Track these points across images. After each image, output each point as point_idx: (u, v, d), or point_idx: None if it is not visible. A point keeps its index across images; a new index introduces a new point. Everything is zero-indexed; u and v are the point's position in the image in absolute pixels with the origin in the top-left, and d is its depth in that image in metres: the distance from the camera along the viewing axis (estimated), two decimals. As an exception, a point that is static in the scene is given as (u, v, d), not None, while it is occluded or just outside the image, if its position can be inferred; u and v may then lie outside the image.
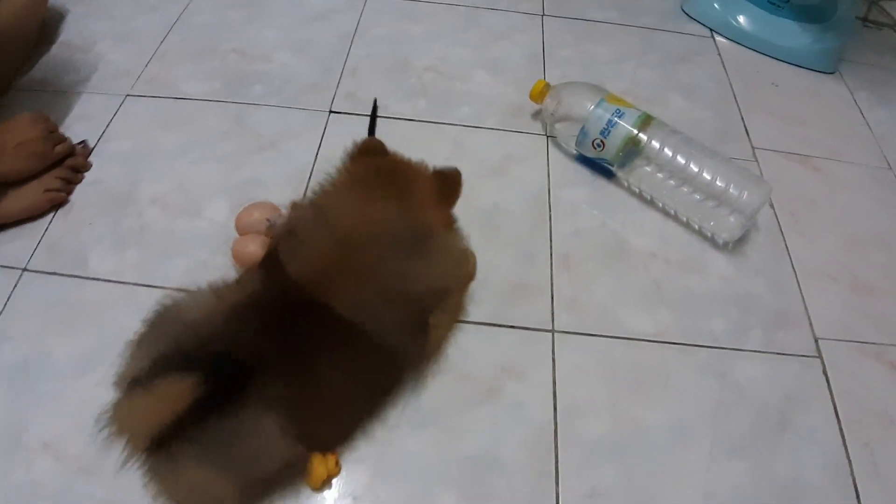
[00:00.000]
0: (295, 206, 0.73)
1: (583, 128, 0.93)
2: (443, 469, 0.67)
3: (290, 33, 1.14)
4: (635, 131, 0.90)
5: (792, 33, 1.24)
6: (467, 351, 0.76)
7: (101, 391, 0.56)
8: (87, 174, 0.91)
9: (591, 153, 0.94)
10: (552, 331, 0.79)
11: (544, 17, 1.25)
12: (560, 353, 0.77)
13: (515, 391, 0.73)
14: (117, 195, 0.88)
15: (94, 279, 0.79)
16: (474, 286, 0.81)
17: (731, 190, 0.86)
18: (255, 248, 0.77)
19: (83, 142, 0.93)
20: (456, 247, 0.73)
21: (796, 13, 1.24)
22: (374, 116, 0.99)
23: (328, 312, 0.59)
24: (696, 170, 0.87)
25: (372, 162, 0.69)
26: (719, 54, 1.23)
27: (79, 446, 0.66)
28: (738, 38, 1.26)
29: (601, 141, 0.92)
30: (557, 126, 0.98)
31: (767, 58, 1.24)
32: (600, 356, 0.77)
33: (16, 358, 0.72)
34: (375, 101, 0.99)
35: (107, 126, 0.96)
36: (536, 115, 1.05)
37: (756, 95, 1.15)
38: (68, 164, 0.89)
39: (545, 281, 0.83)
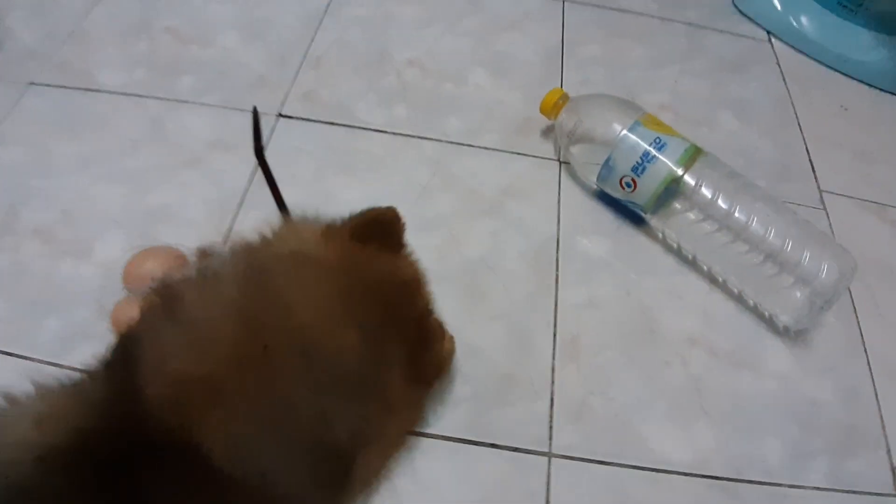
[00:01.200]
0: (204, 254, 0.50)
1: (609, 159, 0.69)
2: None
3: (244, 10, 0.89)
4: (680, 171, 0.67)
5: (865, 45, 1.00)
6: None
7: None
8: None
9: (617, 193, 0.71)
10: (549, 454, 0.57)
11: (566, 2, 1.00)
12: (557, 487, 0.55)
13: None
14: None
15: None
16: (444, 381, 0.59)
17: (805, 262, 0.63)
18: (140, 315, 0.53)
19: None
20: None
21: (870, 20, 1.00)
22: (256, 129, 0.68)
23: (195, 460, 0.37)
24: (760, 231, 0.64)
25: (361, 254, 0.45)
26: (778, 64, 0.99)
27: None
28: (800, 44, 1.02)
29: (632, 180, 0.68)
30: (574, 150, 0.74)
31: (834, 72, 1.00)
32: (612, 493, 0.55)
33: None
34: (255, 111, 0.68)
35: None
36: (547, 132, 0.81)
37: (823, 121, 0.91)
38: None
39: (544, 375, 0.61)
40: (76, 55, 0.81)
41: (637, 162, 0.68)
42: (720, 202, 0.66)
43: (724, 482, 0.57)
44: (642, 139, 0.68)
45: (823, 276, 0.63)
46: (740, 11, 1.07)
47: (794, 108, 0.92)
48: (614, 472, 0.57)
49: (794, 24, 1.03)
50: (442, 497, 0.53)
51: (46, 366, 0.56)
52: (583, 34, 0.95)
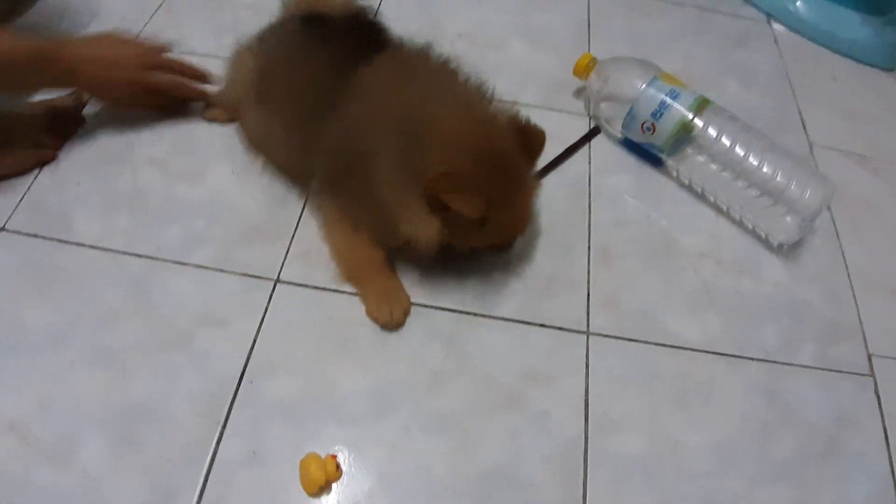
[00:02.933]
0: None
1: (631, 108, 0.84)
2: (456, 482, 0.59)
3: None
4: (690, 115, 0.81)
5: (853, 24, 1.14)
6: (490, 350, 0.68)
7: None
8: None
9: (639, 137, 0.86)
10: (587, 332, 0.71)
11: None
12: (595, 358, 0.69)
13: (542, 399, 0.65)
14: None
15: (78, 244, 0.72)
16: (502, 276, 0.73)
17: (792, 187, 0.77)
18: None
19: (74, 92, 0.84)
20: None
21: (858, 2, 1.14)
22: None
23: None
24: (755, 163, 0.78)
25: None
26: (776, 41, 1.13)
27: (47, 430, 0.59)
28: (795, 25, 1.17)
29: (652, 124, 0.83)
30: (602, 105, 0.89)
31: (825, 49, 1.14)
32: (639, 364, 0.70)
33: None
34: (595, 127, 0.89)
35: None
36: (579, 92, 0.96)
37: (814, 88, 1.06)
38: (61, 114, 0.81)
39: (581, 276, 0.75)
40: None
41: (655, 109, 0.82)
42: (723, 139, 0.80)
43: (729, 357, 0.71)
44: (660, 90, 0.83)
45: (807, 197, 0.77)
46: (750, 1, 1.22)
47: (788, 77, 1.07)
48: (640, 347, 0.71)
49: (790, 7, 1.17)
50: (502, 364, 0.67)
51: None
52: (606, 12, 1.10)
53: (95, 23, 0.96)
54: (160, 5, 0.99)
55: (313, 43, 0.71)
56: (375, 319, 0.68)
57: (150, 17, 0.98)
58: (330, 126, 0.67)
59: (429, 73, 0.69)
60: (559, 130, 0.90)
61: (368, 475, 0.59)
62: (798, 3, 1.17)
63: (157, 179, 0.79)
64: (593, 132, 0.89)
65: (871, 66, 1.13)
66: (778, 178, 0.78)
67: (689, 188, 0.86)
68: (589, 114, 0.93)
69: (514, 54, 1.00)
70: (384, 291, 0.69)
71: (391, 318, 0.67)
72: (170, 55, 0.82)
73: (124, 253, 0.72)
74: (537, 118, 0.86)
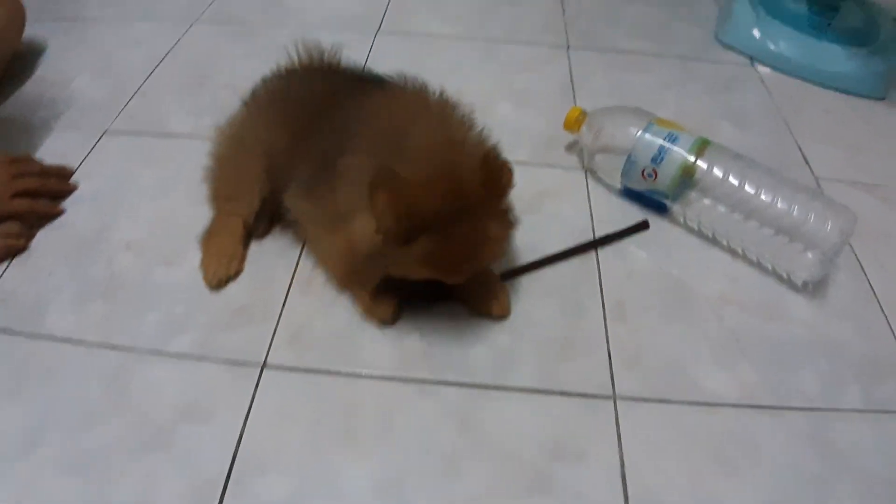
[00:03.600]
0: None
1: (629, 156, 0.80)
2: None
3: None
4: (692, 158, 0.78)
5: (837, 58, 1.13)
6: (508, 425, 0.61)
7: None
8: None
9: (640, 185, 0.82)
10: (613, 397, 0.64)
11: (570, 49, 1.15)
12: (626, 424, 0.62)
13: (573, 478, 0.58)
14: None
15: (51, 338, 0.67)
16: (513, 343, 0.68)
17: (811, 220, 0.72)
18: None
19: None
20: None
21: (840, 37, 1.14)
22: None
23: None
24: (767, 199, 0.74)
25: None
26: (762, 81, 1.12)
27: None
28: (780, 65, 1.16)
29: (653, 170, 0.79)
30: (598, 158, 0.86)
31: (813, 85, 1.13)
32: (675, 427, 0.63)
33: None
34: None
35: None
36: (571, 146, 0.93)
37: (809, 123, 1.03)
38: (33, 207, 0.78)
39: (598, 334, 0.70)
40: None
41: (655, 153, 0.79)
42: (731, 179, 0.76)
43: (770, 409, 0.65)
44: (657, 135, 0.80)
45: (829, 229, 0.72)
46: (722, 42, 1.21)
47: (781, 115, 1.05)
48: (673, 408, 0.64)
49: (773, 47, 1.16)
50: (523, 439, 0.61)
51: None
52: (589, 70, 1.09)
53: (71, 111, 0.95)
54: (136, 91, 0.98)
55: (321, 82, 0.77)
56: (371, 318, 0.69)
57: (126, 104, 0.97)
58: (326, 138, 0.68)
59: (422, 102, 0.67)
60: (555, 185, 0.87)
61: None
62: (780, 43, 1.16)
63: (133, 264, 0.75)
64: (641, 226, 0.82)
65: (861, 96, 1.11)
66: (795, 213, 0.73)
67: (699, 233, 0.81)
68: (584, 167, 0.90)
69: (501, 115, 0.98)
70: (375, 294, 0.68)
71: (386, 314, 0.68)
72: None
73: (100, 345, 0.66)
74: (532, 175, 0.85)
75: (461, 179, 0.57)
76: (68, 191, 0.82)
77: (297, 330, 0.68)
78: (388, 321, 0.68)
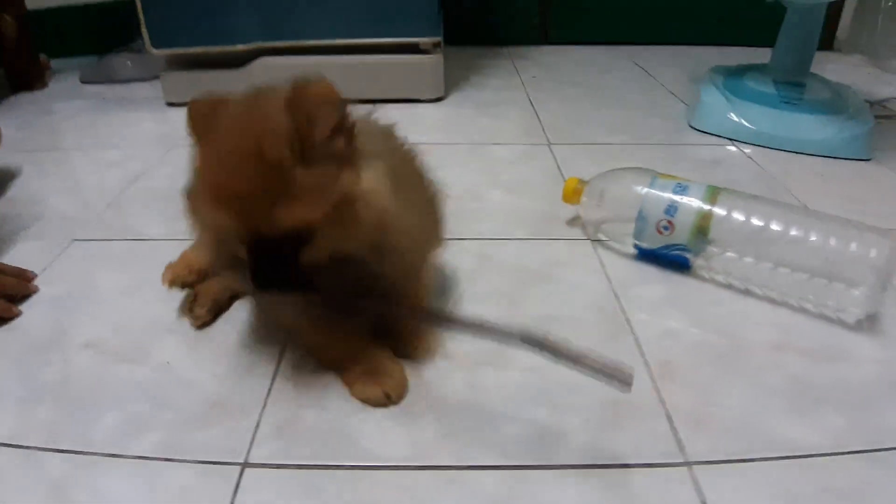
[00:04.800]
0: None
1: (640, 213, 0.75)
2: None
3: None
4: (708, 206, 0.72)
5: (816, 126, 1.14)
6: None
7: None
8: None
9: (656, 242, 0.75)
10: (686, 463, 0.53)
11: (551, 145, 1.14)
12: (709, 492, 0.50)
13: None
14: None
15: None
16: (551, 413, 0.57)
17: (852, 249, 0.66)
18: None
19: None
20: None
21: (812, 108, 1.16)
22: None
23: None
24: (799, 234, 0.68)
25: None
26: (750, 157, 1.11)
27: None
28: (762, 141, 1.16)
29: (668, 222, 0.73)
30: (605, 225, 0.80)
31: (798, 154, 1.13)
32: (766, 487, 0.51)
33: None
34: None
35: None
36: (572, 221, 0.87)
37: (807, 186, 1.01)
38: None
39: (650, 397, 0.59)
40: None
41: (668, 205, 0.74)
42: (754, 220, 0.71)
43: (868, 453, 0.54)
44: (665, 188, 0.75)
45: (874, 255, 0.65)
46: (696, 129, 1.22)
47: (778, 181, 1.02)
48: (759, 466, 0.53)
49: (752, 126, 1.17)
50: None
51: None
52: (575, 161, 1.08)
53: (38, 225, 0.89)
54: (107, 205, 0.92)
55: None
56: (365, 400, 0.57)
57: (97, 214, 0.92)
58: None
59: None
60: (563, 257, 0.81)
61: None
62: (758, 121, 1.17)
63: (91, 364, 0.64)
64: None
65: (847, 159, 1.10)
66: (833, 243, 0.67)
67: (730, 286, 0.74)
68: (590, 238, 0.83)
69: (495, 201, 0.94)
70: (370, 369, 0.58)
71: (381, 395, 0.57)
72: None
73: (42, 449, 0.54)
74: (537, 248, 0.80)
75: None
76: (27, 293, 0.74)
77: (284, 422, 0.57)
78: (399, 397, 0.58)
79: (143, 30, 1.37)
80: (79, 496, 0.50)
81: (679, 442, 0.55)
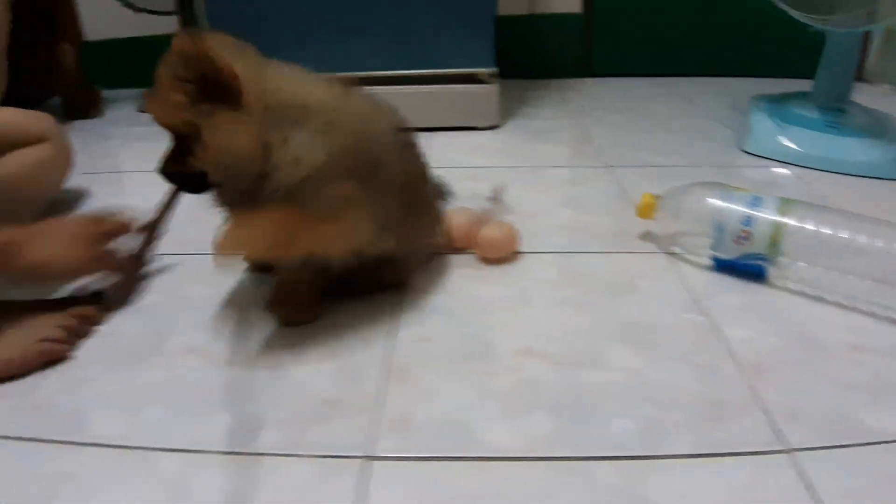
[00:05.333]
0: None
1: (718, 224, 0.80)
2: None
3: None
4: (783, 218, 0.77)
5: (859, 149, 1.18)
6: (687, 497, 0.52)
7: None
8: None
9: (733, 252, 0.80)
10: (788, 450, 0.56)
11: (609, 167, 1.20)
12: (813, 475, 0.54)
13: None
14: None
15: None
16: (657, 414, 0.61)
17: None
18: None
19: (98, 292, 0.81)
20: None
21: (856, 131, 1.20)
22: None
23: None
24: (865, 241, 0.73)
25: None
26: (800, 178, 1.15)
27: None
28: (808, 163, 1.21)
29: (745, 232, 0.78)
30: (683, 238, 0.85)
31: (844, 175, 1.17)
32: (863, 468, 0.55)
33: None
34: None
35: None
36: (645, 236, 0.92)
37: (855, 204, 1.02)
38: (77, 311, 0.74)
39: (746, 394, 0.63)
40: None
41: (745, 216, 0.78)
42: (824, 229, 0.75)
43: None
44: (740, 200, 0.80)
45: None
46: (747, 153, 1.27)
47: (828, 200, 1.06)
48: (854, 452, 0.56)
49: (800, 149, 1.22)
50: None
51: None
52: (636, 181, 1.13)
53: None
54: (187, 221, 0.97)
55: None
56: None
57: (176, 231, 0.95)
58: None
59: None
60: (642, 269, 0.85)
61: None
62: (805, 144, 1.22)
63: (195, 368, 0.69)
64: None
65: (891, 179, 1.15)
66: (897, 250, 0.71)
67: (802, 293, 0.78)
68: (664, 251, 0.88)
69: (565, 217, 0.99)
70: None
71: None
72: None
73: (156, 449, 0.58)
74: (615, 261, 0.86)
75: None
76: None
77: (399, 417, 0.61)
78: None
79: (212, 64, 1.45)
80: (199, 493, 0.54)
81: (778, 432, 0.58)
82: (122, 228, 0.81)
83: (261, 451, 0.58)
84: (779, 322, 0.74)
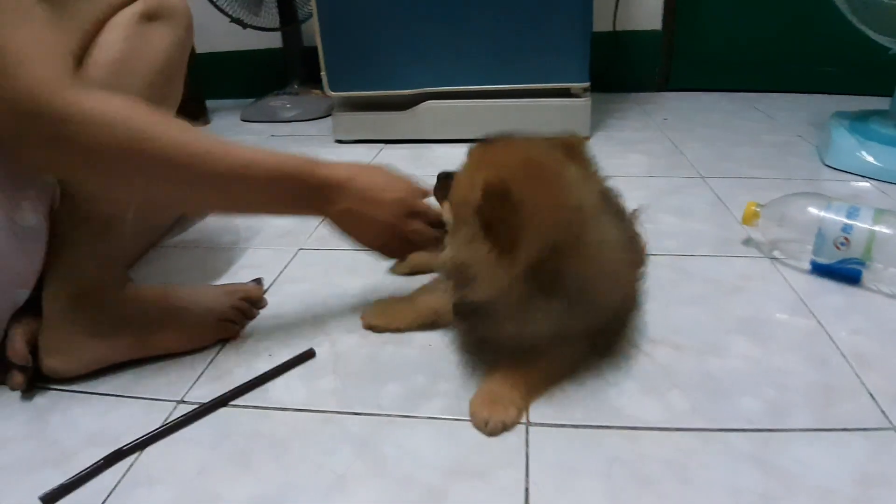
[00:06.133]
0: None
1: (819, 231, 0.88)
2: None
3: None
4: (877, 227, 0.85)
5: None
6: (808, 464, 0.61)
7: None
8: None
9: (833, 256, 0.88)
10: (893, 427, 0.65)
11: (704, 178, 1.29)
12: None
13: None
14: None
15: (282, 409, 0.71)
16: (777, 395, 0.70)
17: None
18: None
19: (258, 279, 0.93)
20: None
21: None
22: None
23: None
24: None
25: None
26: (884, 193, 1.22)
27: None
28: (891, 178, 1.27)
29: (845, 238, 0.86)
30: (782, 244, 0.93)
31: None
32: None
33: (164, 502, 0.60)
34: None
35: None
36: (747, 242, 1.01)
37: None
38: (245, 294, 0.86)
39: (853, 380, 0.72)
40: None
41: (844, 224, 0.87)
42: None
43: None
44: (840, 209, 0.88)
45: None
46: (831, 168, 1.34)
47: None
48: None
49: (881, 164, 1.28)
50: (832, 474, 0.61)
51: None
52: (731, 192, 1.22)
53: (261, 237, 1.08)
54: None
55: None
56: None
57: (314, 229, 1.10)
58: None
59: None
60: (748, 270, 0.94)
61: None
62: (887, 161, 1.28)
63: (359, 345, 0.81)
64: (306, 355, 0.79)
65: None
66: None
67: (895, 296, 0.86)
68: (767, 256, 0.97)
69: (669, 223, 1.09)
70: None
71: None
72: (428, 202, 0.77)
73: (339, 412, 0.69)
74: (721, 264, 0.95)
75: None
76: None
77: (549, 392, 0.71)
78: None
79: (323, 74, 1.58)
80: (386, 449, 0.64)
81: (883, 412, 0.67)
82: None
83: (434, 416, 0.69)
84: (877, 320, 0.82)
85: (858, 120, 1.40)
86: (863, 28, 1.27)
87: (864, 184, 1.26)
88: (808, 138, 1.52)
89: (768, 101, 1.86)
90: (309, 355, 0.78)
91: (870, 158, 1.30)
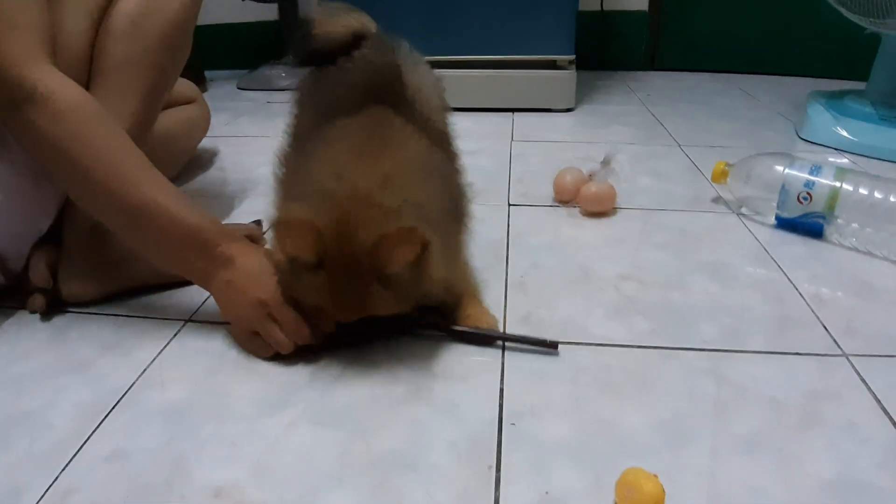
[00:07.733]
0: None
1: (783, 187, 0.94)
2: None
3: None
4: (838, 183, 0.91)
5: (911, 139, 1.30)
6: (761, 379, 0.67)
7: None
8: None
9: (796, 211, 0.94)
10: (844, 355, 0.71)
11: (681, 146, 1.35)
12: (867, 374, 0.68)
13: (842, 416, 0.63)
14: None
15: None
16: (735, 323, 0.76)
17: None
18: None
19: (258, 220, 0.97)
20: None
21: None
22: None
23: None
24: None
25: None
26: (854, 164, 1.28)
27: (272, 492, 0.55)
28: (862, 151, 1.33)
29: (807, 193, 0.92)
30: (750, 201, 1.00)
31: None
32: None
33: (177, 399, 0.66)
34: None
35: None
36: (716, 200, 1.07)
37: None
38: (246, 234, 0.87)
39: (808, 314, 0.78)
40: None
41: (806, 180, 0.93)
42: (876, 193, 0.89)
43: None
44: (803, 166, 0.94)
45: None
46: (806, 141, 1.41)
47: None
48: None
49: (854, 138, 1.35)
50: (784, 389, 0.66)
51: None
52: (705, 158, 1.27)
53: (260, 188, 1.13)
54: None
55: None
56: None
57: None
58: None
59: (389, 134, 0.72)
60: (715, 226, 1.00)
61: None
62: (861, 135, 1.34)
63: None
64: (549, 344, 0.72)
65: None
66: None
67: (855, 249, 0.92)
68: (735, 212, 1.03)
69: (646, 185, 1.14)
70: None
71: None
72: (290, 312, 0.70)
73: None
74: (690, 218, 0.99)
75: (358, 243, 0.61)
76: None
77: (522, 316, 0.78)
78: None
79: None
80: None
81: (835, 342, 0.73)
82: None
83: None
84: (835, 268, 0.88)
85: (835, 98, 1.46)
86: (839, 8, 1.33)
87: (839, 158, 1.32)
88: (788, 116, 1.58)
89: (752, 83, 1.92)
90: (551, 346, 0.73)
91: (844, 133, 1.36)
